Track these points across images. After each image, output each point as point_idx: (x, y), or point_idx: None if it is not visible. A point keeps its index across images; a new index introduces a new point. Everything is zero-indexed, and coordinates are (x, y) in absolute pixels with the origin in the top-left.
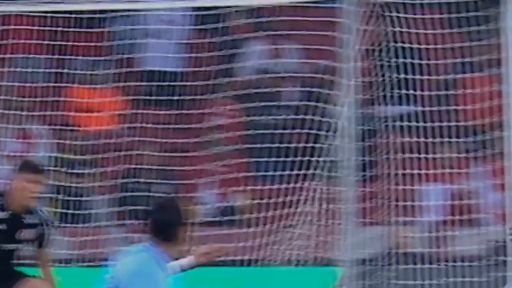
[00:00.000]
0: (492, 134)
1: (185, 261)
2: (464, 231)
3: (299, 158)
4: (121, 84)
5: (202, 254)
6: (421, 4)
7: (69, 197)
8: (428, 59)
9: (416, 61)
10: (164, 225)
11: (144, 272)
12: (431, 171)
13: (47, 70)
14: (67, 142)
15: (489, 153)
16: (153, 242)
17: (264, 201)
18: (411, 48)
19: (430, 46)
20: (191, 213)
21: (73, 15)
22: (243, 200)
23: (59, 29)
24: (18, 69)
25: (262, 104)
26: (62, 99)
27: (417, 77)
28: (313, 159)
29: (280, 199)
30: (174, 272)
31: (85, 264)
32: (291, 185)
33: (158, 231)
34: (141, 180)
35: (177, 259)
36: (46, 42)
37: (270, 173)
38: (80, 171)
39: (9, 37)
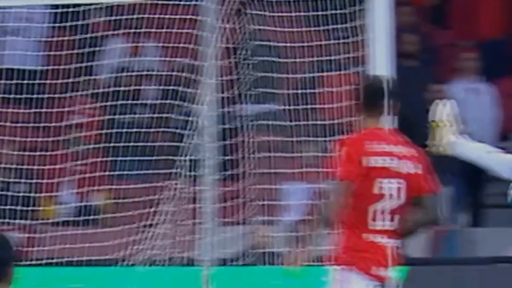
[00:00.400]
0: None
1: None
2: (325, 231)
3: (159, 157)
4: None
5: None
6: (282, 2)
7: None
8: (289, 58)
9: (276, 59)
10: None
11: None
12: (293, 170)
13: None
14: None
15: None
16: None
17: (125, 200)
18: (272, 46)
19: (291, 44)
20: (51, 213)
21: None
22: (103, 200)
23: None
24: None
25: (122, 102)
26: None
27: (278, 75)
28: (173, 158)
29: (141, 199)
30: None
31: None
32: (152, 184)
33: None
34: (0, 179)
35: None
36: None
37: (131, 172)
38: None
39: None
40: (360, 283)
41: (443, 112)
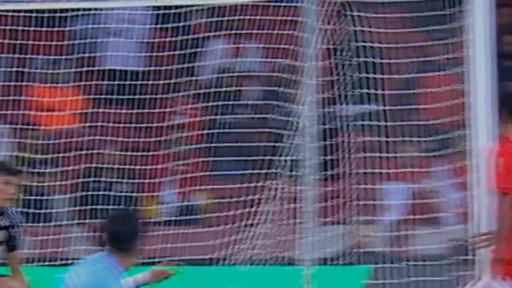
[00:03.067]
0: (453, 133)
1: (139, 277)
2: (425, 230)
3: (260, 157)
4: (82, 83)
5: (156, 273)
6: (382, 3)
7: (30, 196)
8: (389, 58)
9: (377, 60)
10: (121, 235)
11: (99, 284)
12: (393, 170)
13: (8, 69)
14: (28, 141)
15: (450, 152)
16: (109, 252)
17: (225, 200)
18: (372, 47)
19: (391, 45)
20: (152, 212)
21: (34, 14)
22: (204, 199)
23: (20, 28)
24: None
25: (223, 103)
26: (23, 98)
27: (378, 76)
28: (274, 158)
29: (241, 198)
30: (128, 287)
31: (46, 263)
32: (253, 184)
33: (114, 242)
34: (102, 179)
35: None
36: (6, 41)
37: (231, 172)
38: (41, 170)
39: None
40: None
41: None
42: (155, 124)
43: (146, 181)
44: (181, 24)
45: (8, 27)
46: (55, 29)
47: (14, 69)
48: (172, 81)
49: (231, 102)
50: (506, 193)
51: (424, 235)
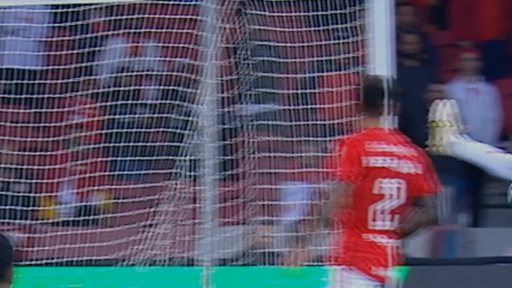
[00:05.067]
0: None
1: None
2: (325, 231)
3: (159, 157)
4: None
5: None
6: (282, 2)
7: None
8: (289, 57)
9: (277, 59)
10: None
11: None
12: (292, 170)
13: None
14: None
15: None
16: None
17: (125, 200)
18: (272, 46)
19: (291, 44)
20: (50, 212)
21: None
22: (103, 199)
23: None
24: None
25: (122, 102)
26: None
27: (278, 75)
28: (173, 158)
29: (141, 199)
30: None
31: None
32: (152, 184)
33: None
34: None
35: None
36: None
37: (131, 172)
38: None
39: None
40: (360, 283)
41: (443, 112)
42: (53, 124)
43: (44, 181)
44: (79, 22)
45: None
46: None
47: None
48: (70, 80)
49: (130, 102)
50: (342, 179)
51: (324, 236)
